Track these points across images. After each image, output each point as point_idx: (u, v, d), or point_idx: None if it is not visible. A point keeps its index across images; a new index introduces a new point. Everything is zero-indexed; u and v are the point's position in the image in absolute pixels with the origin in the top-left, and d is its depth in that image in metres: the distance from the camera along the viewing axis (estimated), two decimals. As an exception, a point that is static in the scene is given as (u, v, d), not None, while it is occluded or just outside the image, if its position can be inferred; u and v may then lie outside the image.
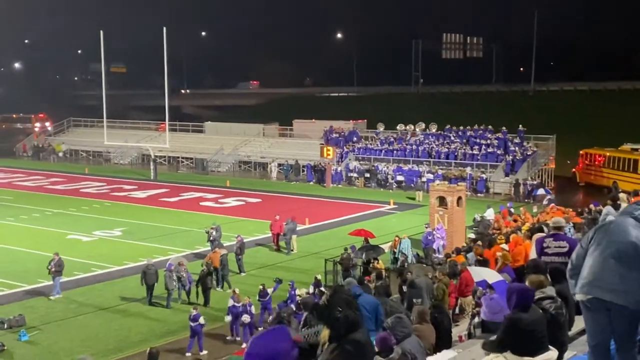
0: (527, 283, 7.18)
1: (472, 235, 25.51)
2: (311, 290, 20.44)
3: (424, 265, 24.26)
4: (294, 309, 18.71)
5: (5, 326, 20.38)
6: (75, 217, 36.76)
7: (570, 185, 45.91)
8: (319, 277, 22.21)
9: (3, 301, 22.78)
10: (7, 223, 34.94)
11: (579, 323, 7.83)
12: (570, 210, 27.00)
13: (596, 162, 44.94)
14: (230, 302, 19.82)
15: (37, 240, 31.19)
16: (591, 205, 24.94)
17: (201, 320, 18.77)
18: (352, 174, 48.12)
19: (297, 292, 20.24)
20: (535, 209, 33.49)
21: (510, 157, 45.52)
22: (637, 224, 5.38)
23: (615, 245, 5.16)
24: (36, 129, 72.48)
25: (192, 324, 18.79)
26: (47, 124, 74.20)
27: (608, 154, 44.06)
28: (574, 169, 47.04)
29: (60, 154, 63.67)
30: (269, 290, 20.89)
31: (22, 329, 20.19)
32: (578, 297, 5.30)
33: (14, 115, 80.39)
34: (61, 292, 23.50)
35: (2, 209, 38.26)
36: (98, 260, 27.85)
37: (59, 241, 31.14)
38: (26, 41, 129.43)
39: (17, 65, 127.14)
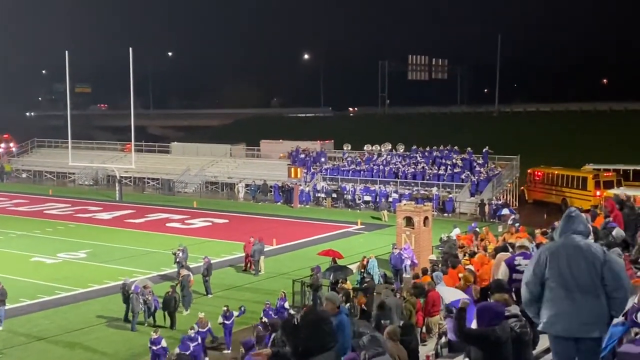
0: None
1: (434, 257, 25.72)
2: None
3: (392, 286, 24.34)
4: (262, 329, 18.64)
5: (-34, 351, 19.97)
6: (39, 239, 36.22)
7: (534, 204, 46.57)
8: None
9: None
10: (-32, 245, 34.29)
11: (543, 342, 7.96)
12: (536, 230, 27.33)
13: (544, 180, 46.07)
14: (196, 328, 19.57)
15: (0, 262, 30.63)
16: (555, 224, 25.30)
17: (163, 343, 18.49)
18: (319, 194, 48.23)
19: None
20: (500, 229, 33.87)
21: (476, 177, 46.06)
22: (581, 238, 5.54)
23: (574, 277, 5.30)
24: (0, 150, 71.39)
25: (153, 347, 18.53)
26: (12, 144, 73.15)
27: (556, 172, 45.17)
28: (522, 187, 47.96)
29: (12, 175, 62.93)
30: (234, 313, 20.75)
31: (-16, 353, 19.81)
32: (545, 330, 5.41)
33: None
34: (3, 322, 22.61)
35: (-36, 231, 37.56)
36: (62, 283, 27.44)
37: (23, 263, 30.68)
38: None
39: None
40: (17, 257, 31.87)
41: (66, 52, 49.73)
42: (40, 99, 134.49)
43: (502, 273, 9.84)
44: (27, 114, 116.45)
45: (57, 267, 30.24)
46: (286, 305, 21.02)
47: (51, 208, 46.15)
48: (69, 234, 37.31)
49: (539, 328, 5.47)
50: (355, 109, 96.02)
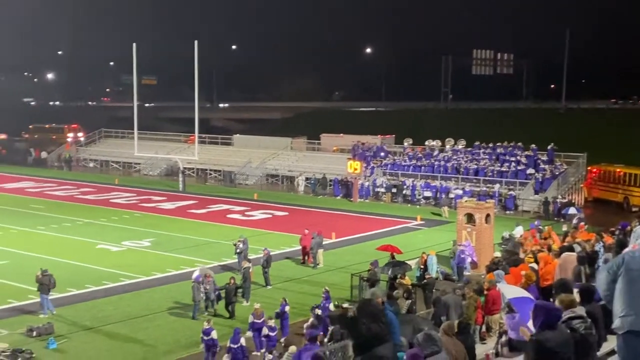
0: (557, 302, 7.14)
1: (498, 255, 25.33)
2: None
3: (453, 282, 24.12)
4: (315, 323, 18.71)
5: (34, 334, 20.62)
6: (105, 227, 37.18)
7: (594, 203, 45.70)
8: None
9: (32, 309, 23.05)
10: (38, 232, 35.45)
11: (608, 344, 7.76)
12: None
13: (606, 178, 45.09)
14: (251, 319, 19.85)
15: (67, 249, 31.60)
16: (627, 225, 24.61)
17: (213, 335, 18.67)
18: (379, 189, 48.06)
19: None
20: (564, 228, 33.13)
21: (540, 174, 45.15)
22: None
23: None
24: (69, 140, 73.48)
25: (204, 337, 18.77)
26: (80, 134, 75.23)
27: (618, 170, 44.14)
28: (582, 185, 46.87)
29: (72, 161, 64.94)
30: (287, 309, 20.81)
31: (51, 337, 20.42)
32: (618, 329, 5.26)
33: (47, 126, 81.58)
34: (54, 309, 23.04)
35: (34, 218, 38.83)
36: (126, 270, 28.11)
37: (89, 250, 31.56)
38: (59, 52, 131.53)
39: (50, 75, 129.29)
40: (83, 244, 32.80)
41: (134, 44, 50.74)
42: (108, 90, 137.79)
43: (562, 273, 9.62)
44: (95, 104, 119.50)
45: (121, 255, 30.98)
46: (330, 306, 20.96)
47: (117, 197, 47.27)
48: (133, 223, 38.17)
49: (614, 325, 5.32)
50: (417, 103, 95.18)
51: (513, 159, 47.38)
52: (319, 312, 20.30)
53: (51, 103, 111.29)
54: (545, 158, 47.53)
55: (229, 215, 41.06)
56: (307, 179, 51.88)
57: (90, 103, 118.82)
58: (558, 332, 6.29)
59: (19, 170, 61.54)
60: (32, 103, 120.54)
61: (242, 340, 18.07)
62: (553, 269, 16.49)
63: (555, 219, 39.20)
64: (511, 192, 43.68)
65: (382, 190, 47.80)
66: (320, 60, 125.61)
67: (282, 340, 20.13)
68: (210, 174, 58.31)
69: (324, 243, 30.18)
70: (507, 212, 42.29)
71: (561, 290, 7.63)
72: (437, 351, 7.50)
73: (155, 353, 19.81)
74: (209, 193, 49.81)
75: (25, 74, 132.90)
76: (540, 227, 30.83)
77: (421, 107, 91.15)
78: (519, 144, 49.67)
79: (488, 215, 28.93)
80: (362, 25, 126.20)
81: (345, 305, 20.55)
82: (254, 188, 52.51)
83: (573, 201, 43.13)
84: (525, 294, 11.60)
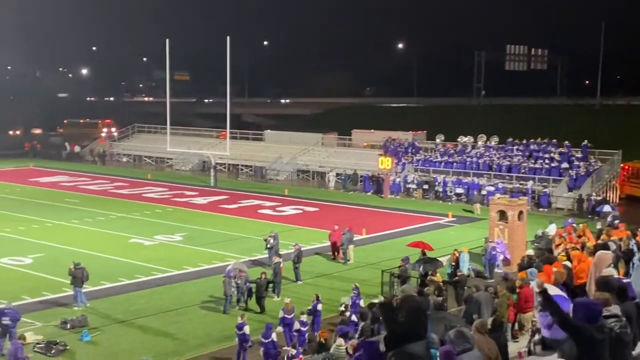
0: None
1: (531, 253, 25.05)
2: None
3: (485, 280, 23.97)
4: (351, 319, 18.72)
5: (68, 326, 20.92)
6: (137, 221, 37.57)
7: (627, 200, 45.10)
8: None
9: (66, 302, 23.39)
10: (72, 225, 35.96)
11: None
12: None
13: (637, 175, 44.53)
14: (281, 314, 19.91)
15: (101, 243, 32.01)
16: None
17: (245, 330, 18.75)
18: (410, 185, 47.85)
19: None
20: (599, 226, 32.65)
21: (574, 171, 44.58)
22: None
23: None
24: (102, 134, 74.38)
25: (237, 332, 18.88)
26: (113, 129, 76.11)
27: None
28: (616, 182, 46.19)
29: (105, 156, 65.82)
30: (319, 307, 20.80)
31: (84, 329, 20.70)
32: None
33: (82, 121, 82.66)
34: (87, 302, 23.35)
35: (68, 212, 39.40)
36: (159, 264, 28.38)
37: (122, 244, 31.93)
38: (93, 48, 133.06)
39: (84, 71, 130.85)
40: (116, 238, 33.19)
41: (167, 40, 51.11)
42: (141, 85, 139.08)
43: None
44: (128, 100, 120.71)
45: (154, 249, 31.29)
46: (361, 303, 20.91)
47: (149, 192, 47.73)
48: (166, 217, 38.52)
49: None
50: (449, 99, 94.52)
51: (546, 155, 46.87)
52: (347, 304, 20.33)
53: (86, 99, 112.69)
54: (579, 155, 46.94)
55: (260, 211, 41.22)
56: (337, 174, 51.86)
57: (126, 99, 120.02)
58: (600, 325, 6.21)
59: (53, 164, 62.47)
60: (66, 98, 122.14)
61: (274, 336, 18.14)
62: (587, 267, 16.25)
63: (589, 216, 38.69)
64: (545, 190, 43.20)
65: (414, 186, 47.59)
66: (351, 55, 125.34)
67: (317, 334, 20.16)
68: (242, 170, 58.59)
69: (354, 239, 30.15)
70: (540, 209, 41.84)
71: (603, 288, 7.53)
72: (469, 348, 7.44)
73: (186, 347, 19.98)
74: (240, 188, 50.06)
75: (60, 69, 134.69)
76: (574, 224, 30.43)
77: (453, 103, 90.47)
78: (553, 140, 49.13)
79: (521, 212, 28.65)
80: (394, 20, 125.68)
81: (376, 300, 20.50)
82: (285, 183, 52.64)
83: (607, 199, 42.54)
84: (559, 291, 11.44)
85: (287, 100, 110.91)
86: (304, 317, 19.71)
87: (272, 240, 27.70)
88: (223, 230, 35.31)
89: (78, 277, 22.88)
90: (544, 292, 6.31)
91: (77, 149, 69.22)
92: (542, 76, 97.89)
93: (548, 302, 6.26)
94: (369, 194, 47.98)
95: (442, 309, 17.81)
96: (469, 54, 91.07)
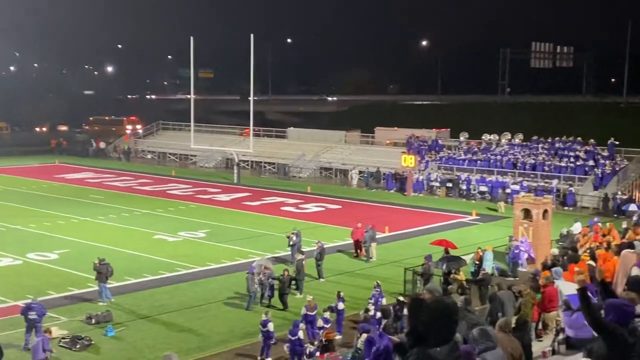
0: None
1: (556, 251, 24.85)
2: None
3: (508, 279, 23.81)
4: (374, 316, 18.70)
5: (93, 321, 21.12)
6: (161, 217, 37.84)
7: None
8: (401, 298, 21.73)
9: (91, 297, 23.62)
10: (97, 222, 36.31)
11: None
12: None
13: None
14: (304, 311, 19.94)
15: (125, 239, 32.29)
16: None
17: (269, 327, 18.81)
18: (433, 183, 47.66)
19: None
20: (624, 225, 32.29)
21: (600, 170, 44.12)
22: None
23: None
24: (127, 131, 74.97)
25: (262, 328, 18.96)
26: (138, 126, 76.68)
27: None
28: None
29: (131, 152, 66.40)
30: (340, 306, 20.76)
31: (109, 324, 20.90)
32: None
33: (107, 118, 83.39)
34: (112, 297, 23.55)
35: (94, 208, 39.78)
36: (182, 261, 28.57)
37: (146, 240, 32.18)
38: (119, 46, 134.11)
39: (109, 68, 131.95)
40: (141, 234, 33.47)
41: (191, 38, 51.36)
42: (165, 83, 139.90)
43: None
44: (153, 97, 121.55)
45: (177, 245, 31.49)
46: (384, 301, 20.86)
47: (173, 188, 48.04)
48: (189, 214, 38.75)
49: None
50: (474, 96, 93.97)
51: (572, 153, 46.43)
52: (371, 305, 20.30)
53: (112, 96, 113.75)
54: (605, 153, 46.44)
55: (282, 208, 41.30)
56: (360, 172, 51.80)
57: (150, 96, 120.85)
58: (633, 326, 6.12)
59: (79, 161, 63.12)
60: (91, 95, 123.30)
61: (300, 333, 18.20)
62: (612, 267, 16.11)
63: (615, 215, 38.28)
64: (570, 188, 42.81)
65: (437, 184, 47.39)
66: (375, 53, 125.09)
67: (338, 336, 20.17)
68: (265, 167, 58.76)
69: (377, 237, 30.11)
70: (566, 208, 41.48)
71: (634, 288, 7.46)
72: (491, 347, 7.41)
73: (210, 342, 20.09)
74: (263, 185, 50.20)
75: (86, 67, 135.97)
76: (600, 223, 30.14)
77: (477, 101, 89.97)
78: (578, 138, 48.67)
79: (545, 210, 28.41)
80: (418, 17, 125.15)
81: (401, 298, 20.45)
82: (308, 181, 52.69)
83: (633, 197, 42.04)
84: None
85: (334, 98, 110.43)
86: (327, 314, 19.73)
87: (294, 238, 27.75)
88: (246, 227, 35.44)
89: (103, 272, 23.09)
90: (582, 291, 6.24)
91: (102, 145, 69.86)
92: (567, 74, 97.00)
93: (583, 302, 6.20)
94: (392, 191, 47.87)
95: (468, 308, 17.72)
96: (494, 51, 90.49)
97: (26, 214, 37.80)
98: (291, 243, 27.70)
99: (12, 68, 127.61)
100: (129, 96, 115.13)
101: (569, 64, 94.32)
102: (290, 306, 22.71)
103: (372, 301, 20.64)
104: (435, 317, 4.29)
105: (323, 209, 41.42)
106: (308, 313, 19.79)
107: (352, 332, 19.17)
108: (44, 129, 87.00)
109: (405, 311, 18.42)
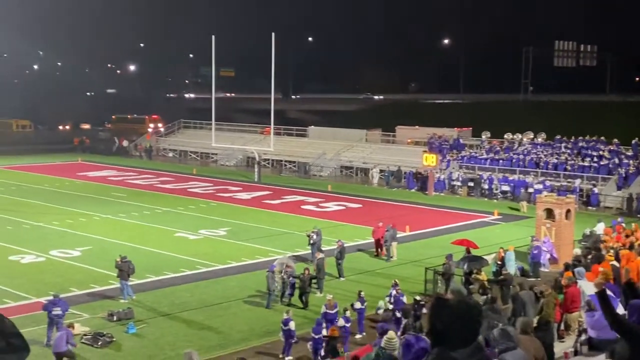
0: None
1: (578, 252, 24.60)
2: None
3: (530, 279, 23.62)
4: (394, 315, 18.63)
5: (115, 318, 21.25)
6: (182, 215, 37.99)
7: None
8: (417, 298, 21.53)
9: (113, 294, 23.77)
10: (119, 219, 36.54)
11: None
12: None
13: None
14: (323, 309, 19.91)
15: (147, 236, 32.47)
16: None
17: (291, 325, 18.81)
18: (455, 183, 47.41)
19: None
20: (648, 225, 31.91)
21: (624, 170, 43.62)
22: None
23: None
24: (149, 130, 75.43)
25: (283, 327, 18.97)
26: (160, 125, 77.11)
27: None
28: None
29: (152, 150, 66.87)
30: (357, 305, 20.69)
31: (130, 321, 21.01)
32: None
33: (129, 116, 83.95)
34: (133, 295, 23.64)
35: (115, 206, 40.06)
36: (203, 259, 28.65)
37: (167, 238, 32.33)
38: (141, 45, 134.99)
39: (131, 67, 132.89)
40: (162, 232, 33.62)
41: (212, 36, 51.54)
42: (187, 81, 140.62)
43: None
44: (174, 96, 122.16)
45: (198, 243, 31.61)
46: (404, 299, 20.77)
47: (194, 186, 48.23)
48: (210, 212, 38.88)
49: None
50: (496, 95, 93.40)
51: (595, 153, 45.97)
52: (390, 305, 20.25)
53: (134, 95, 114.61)
54: (629, 153, 45.92)
55: (303, 207, 41.31)
56: (381, 171, 51.68)
57: (171, 95, 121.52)
58: None
59: (101, 159, 63.60)
60: (114, 94, 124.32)
61: (324, 331, 18.19)
62: (636, 267, 15.93)
63: (639, 216, 37.84)
64: (593, 188, 42.38)
65: (458, 183, 47.15)
66: (396, 51, 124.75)
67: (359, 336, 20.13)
68: (285, 165, 58.82)
69: (397, 236, 30.00)
70: (589, 208, 41.07)
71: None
72: (512, 347, 7.34)
73: (230, 340, 20.13)
74: (283, 184, 50.25)
75: (109, 65, 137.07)
76: (623, 223, 29.81)
77: (500, 100, 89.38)
78: (602, 138, 48.17)
79: (568, 210, 28.14)
80: (439, 15, 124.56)
81: (418, 298, 20.36)
82: (328, 180, 52.67)
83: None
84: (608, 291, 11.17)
85: (381, 97, 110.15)
86: (348, 313, 19.69)
87: (314, 236, 27.72)
88: (266, 225, 35.49)
89: (124, 270, 23.23)
90: (601, 293, 6.13)
91: (125, 143, 70.34)
92: (591, 72, 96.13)
93: (603, 304, 6.09)
94: (413, 190, 47.69)
95: (494, 306, 17.53)
96: (517, 49, 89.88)
97: (49, 211, 38.16)
98: (311, 242, 27.68)
99: (35, 67, 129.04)
100: (154, 94, 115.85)
101: (592, 62, 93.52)
102: (310, 304, 22.69)
103: (389, 299, 20.59)
104: (458, 318, 4.19)
105: (343, 207, 41.37)
106: (328, 311, 19.76)
107: (372, 331, 19.10)
108: (67, 127, 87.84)
109: (424, 310, 18.36)
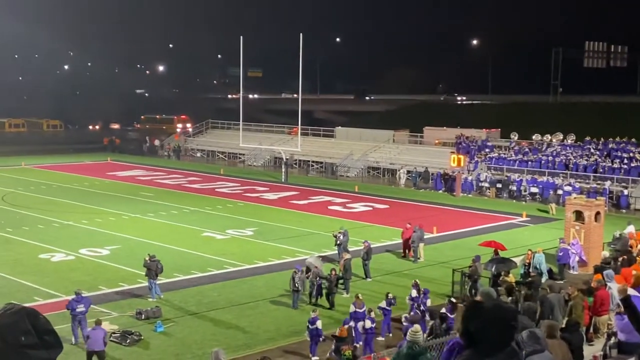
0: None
1: (607, 254, 24.30)
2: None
3: (558, 282, 23.35)
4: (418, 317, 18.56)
5: (143, 317, 21.45)
6: (210, 215, 38.23)
7: None
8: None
9: (141, 293, 24.00)
10: (147, 219, 36.88)
11: None
12: None
13: None
14: (352, 308, 19.91)
15: (174, 236, 32.71)
16: None
17: (318, 324, 18.83)
18: (483, 184, 47.09)
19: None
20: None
21: (655, 172, 42.99)
22: None
23: None
24: (178, 130, 75.99)
25: (309, 326, 19.00)
26: (188, 125, 77.66)
27: None
28: None
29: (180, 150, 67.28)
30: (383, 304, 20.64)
31: (158, 320, 21.19)
32: None
33: (158, 116, 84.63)
34: (161, 294, 23.84)
35: (144, 205, 40.43)
36: (230, 258, 28.81)
37: (195, 238, 32.54)
38: (170, 45, 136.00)
39: (161, 68, 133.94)
40: (190, 232, 33.86)
41: (241, 37, 51.80)
42: (215, 82, 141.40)
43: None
44: (203, 96, 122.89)
45: (225, 243, 31.78)
46: (428, 302, 20.68)
47: (222, 187, 48.49)
48: (237, 212, 39.07)
49: None
50: (525, 96, 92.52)
51: (626, 155, 45.36)
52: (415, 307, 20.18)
53: (163, 95, 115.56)
54: (661, 154, 45.25)
55: (330, 207, 41.33)
56: (408, 172, 51.50)
57: (202, 96, 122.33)
58: None
59: (130, 158, 64.22)
60: (143, 94, 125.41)
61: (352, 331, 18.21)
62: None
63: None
64: (624, 190, 41.83)
65: (486, 185, 46.81)
66: (425, 52, 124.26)
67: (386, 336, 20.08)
68: (312, 166, 58.89)
69: (425, 237, 29.89)
70: (619, 210, 40.54)
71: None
72: (540, 350, 7.28)
73: (257, 340, 20.22)
74: (310, 184, 50.30)
75: (138, 66, 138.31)
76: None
77: (529, 101, 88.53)
78: (632, 139, 47.52)
79: (598, 213, 27.81)
80: (468, 16, 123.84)
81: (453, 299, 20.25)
82: (355, 180, 52.62)
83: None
84: (637, 294, 11.07)
85: (461, 97, 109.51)
86: (373, 314, 19.66)
87: (341, 237, 27.73)
88: (293, 225, 35.57)
89: (152, 269, 23.42)
90: (626, 299, 6.07)
91: (157, 142, 70.97)
92: (621, 73, 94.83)
93: (628, 309, 6.03)
94: (440, 192, 47.46)
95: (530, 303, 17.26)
96: (547, 50, 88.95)
97: (79, 210, 38.63)
98: (338, 242, 27.70)
99: (66, 67, 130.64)
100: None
101: (623, 63, 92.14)
102: (337, 305, 22.70)
103: (411, 302, 20.50)
104: (493, 322, 4.13)
105: (370, 208, 41.31)
106: (357, 310, 19.75)
107: (397, 332, 19.06)
108: (97, 127, 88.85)
109: (454, 314, 18.27)
